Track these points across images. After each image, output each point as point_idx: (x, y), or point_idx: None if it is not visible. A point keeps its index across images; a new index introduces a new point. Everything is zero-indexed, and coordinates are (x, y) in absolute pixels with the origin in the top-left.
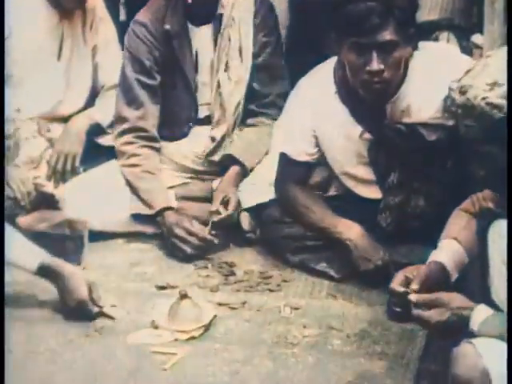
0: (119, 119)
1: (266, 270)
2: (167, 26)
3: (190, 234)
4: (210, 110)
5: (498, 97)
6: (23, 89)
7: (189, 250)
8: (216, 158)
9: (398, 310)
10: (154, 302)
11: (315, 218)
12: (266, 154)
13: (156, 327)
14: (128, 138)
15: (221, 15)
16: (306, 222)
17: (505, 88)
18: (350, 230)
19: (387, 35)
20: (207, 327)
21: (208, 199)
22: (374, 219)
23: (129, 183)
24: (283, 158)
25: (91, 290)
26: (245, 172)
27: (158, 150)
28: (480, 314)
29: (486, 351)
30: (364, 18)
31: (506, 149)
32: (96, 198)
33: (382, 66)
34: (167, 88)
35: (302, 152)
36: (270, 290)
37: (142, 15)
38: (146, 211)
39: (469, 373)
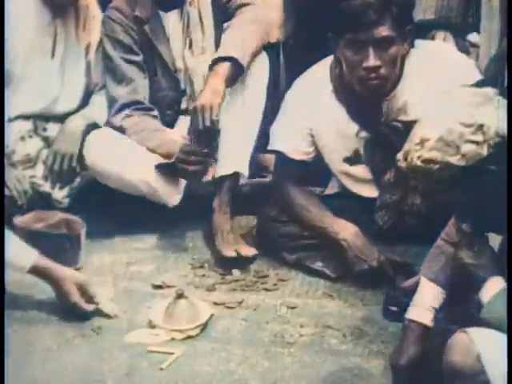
0: (112, 99)
1: (263, 270)
2: (137, 13)
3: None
4: (184, 86)
5: (429, 150)
6: (18, 87)
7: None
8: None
9: (394, 309)
10: (150, 302)
11: (311, 217)
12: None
13: (153, 327)
14: (125, 112)
15: None
16: (302, 221)
17: (433, 140)
18: (346, 230)
19: (384, 31)
20: (204, 327)
21: None
22: (371, 217)
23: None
24: (280, 156)
25: (83, 289)
26: (238, 68)
27: (156, 117)
28: (492, 287)
29: (480, 339)
30: (361, 13)
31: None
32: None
33: (378, 62)
34: (149, 74)
35: (299, 151)
36: (267, 290)
37: (115, 2)
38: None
39: (461, 358)
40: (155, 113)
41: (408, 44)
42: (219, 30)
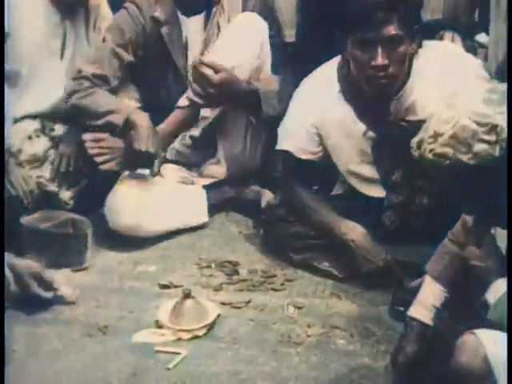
0: (78, 74)
1: (270, 270)
2: (156, 14)
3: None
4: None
5: (441, 145)
6: (26, 88)
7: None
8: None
9: (401, 309)
10: (157, 302)
11: (319, 218)
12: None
13: (160, 326)
14: (80, 82)
15: (211, 5)
16: (309, 221)
17: (447, 135)
18: (353, 231)
19: (392, 30)
20: (211, 327)
21: None
22: (378, 217)
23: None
24: (287, 156)
25: (40, 277)
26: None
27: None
28: (497, 288)
29: (488, 341)
30: (369, 12)
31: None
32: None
33: (387, 61)
34: (157, 77)
35: (306, 150)
36: (274, 290)
37: None
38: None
39: (469, 360)
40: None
41: (416, 44)
42: None
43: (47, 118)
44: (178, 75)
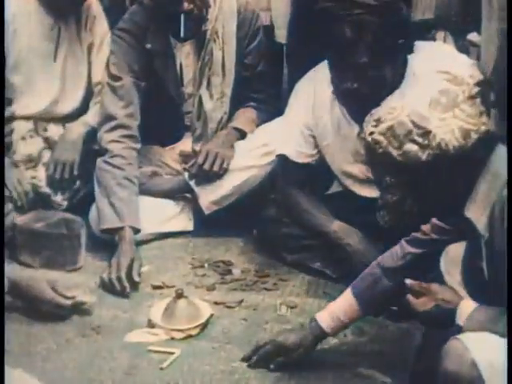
0: (108, 117)
1: (263, 269)
2: (148, 45)
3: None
4: (192, 123)
5: (379, 132)
6: (20, 90)
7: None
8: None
9: (394, 309)
10: (150, 301)
11: (316, 221)
12: None
13: (153, 326)
14: (115, 136)
15: (205, 31)
16: (306, 225)
17: (385, 125)
18: (350, 236)
19: (360, 58)
20: (204, 326)
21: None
22: (371, 218)
23: (103, 184)
24: (283, 160)
25: (54, 287)
26: (242, 136)
27: (138, 151)
28: (465, 309)
29: (474, 345)
30: (341, 37)
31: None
32: None
33: (355, 85)
34: (153, 100)
35: (303, 154)
36: (267, 289)
37: (126, 24)
38: (113, 223)
39: (456, 366)
40: (138, 146)
41: (392, 63)
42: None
43: (40, 118)
44: (172, 101)
